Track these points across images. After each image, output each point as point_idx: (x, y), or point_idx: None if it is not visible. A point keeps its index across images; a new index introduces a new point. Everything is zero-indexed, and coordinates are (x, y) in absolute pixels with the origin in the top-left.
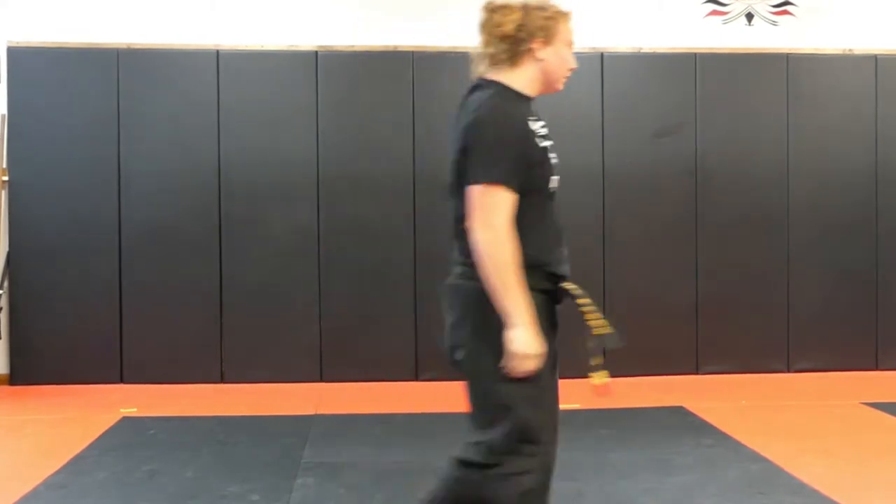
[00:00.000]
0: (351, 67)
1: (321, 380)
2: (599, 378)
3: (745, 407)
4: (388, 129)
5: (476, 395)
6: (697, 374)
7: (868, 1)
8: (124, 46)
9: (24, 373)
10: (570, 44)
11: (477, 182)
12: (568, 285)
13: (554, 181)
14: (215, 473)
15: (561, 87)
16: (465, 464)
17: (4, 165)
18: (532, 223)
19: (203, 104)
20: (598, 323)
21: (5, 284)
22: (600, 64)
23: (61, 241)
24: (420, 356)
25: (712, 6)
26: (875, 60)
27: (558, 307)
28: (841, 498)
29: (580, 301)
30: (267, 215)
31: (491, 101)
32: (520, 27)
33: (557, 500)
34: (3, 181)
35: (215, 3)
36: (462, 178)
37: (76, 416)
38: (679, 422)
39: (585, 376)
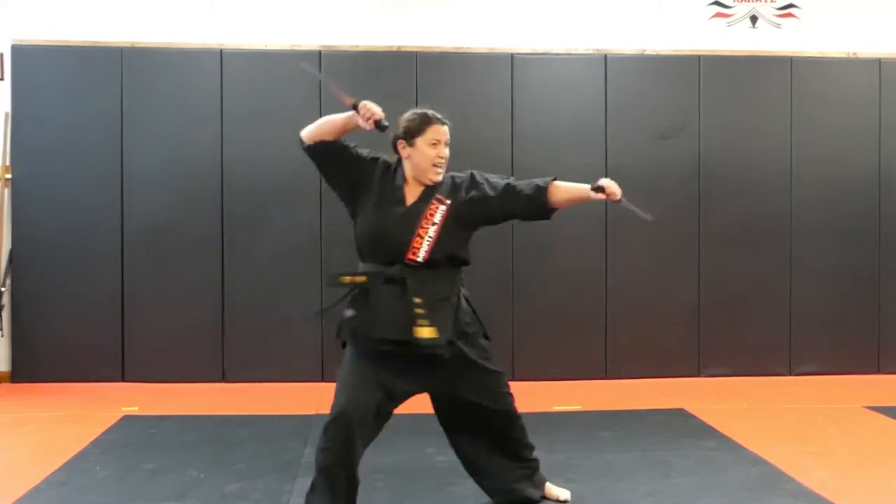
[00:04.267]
0: (354, 67)
1: (322, 380)
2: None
3: (747, 410)
4: (391, 128)
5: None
6: (699, 376)
7: (872, 4)
8: (128, 45)
9: (25, 370)
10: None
11: None
12: None
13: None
14: (216, 472)
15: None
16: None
17: (7, 163)
18: None
19: (206, 103)
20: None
21: (7, 282)
22: (604, 66)
23: (64, 239)
24: None
25: (716, 8)
26: (879, 64)
27: None
28: (842, 502)
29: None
30: (269, 215)
31: None
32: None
33: None
34: (6, 179)
35: (219, 3)
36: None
37: (77, 414)
38: (680, 424)
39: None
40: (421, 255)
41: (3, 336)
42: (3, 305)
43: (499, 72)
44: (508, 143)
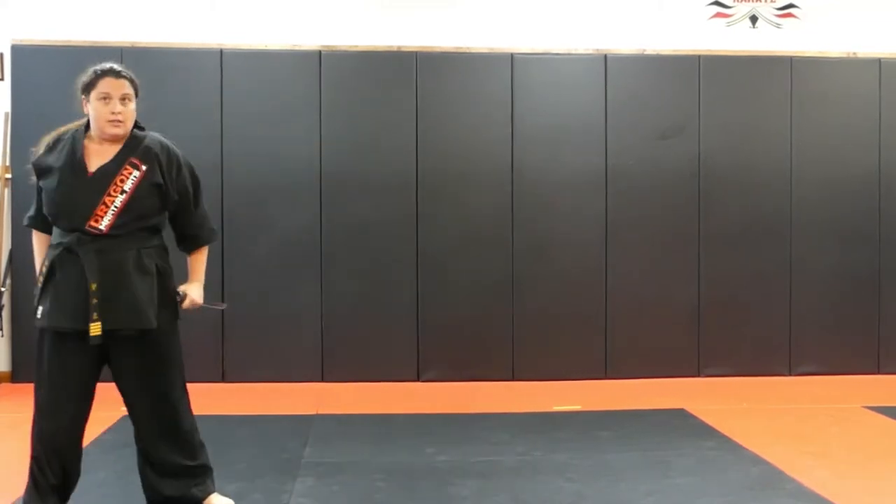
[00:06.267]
0: (354, 67)
1: (321, 380)
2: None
3: (747, 410)
4: (391, 129)
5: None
6: (699, 376)
7: (872, 4)
8: (128, 45)
9: (26, 370)
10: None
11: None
12: None
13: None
14: (216, 472)
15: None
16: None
17: (7, 163)
18: None
19: (206, 103)
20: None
21: (7, 282)
22: (604, 66)
23: None
24: (421, 356)
25: (716, 8)
26: (879, 64)
27: None
28: (842, 502)
29: None
30: (269, 215)
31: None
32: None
33: (557, 501)
34: (7, 179)
35: (219, 3)
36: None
37: None
38: (680, 424)
39: None
40: (104, 224)
41: (3, 336)
42: (3, 305)
43: (499, 72)
44: (508, 143)
